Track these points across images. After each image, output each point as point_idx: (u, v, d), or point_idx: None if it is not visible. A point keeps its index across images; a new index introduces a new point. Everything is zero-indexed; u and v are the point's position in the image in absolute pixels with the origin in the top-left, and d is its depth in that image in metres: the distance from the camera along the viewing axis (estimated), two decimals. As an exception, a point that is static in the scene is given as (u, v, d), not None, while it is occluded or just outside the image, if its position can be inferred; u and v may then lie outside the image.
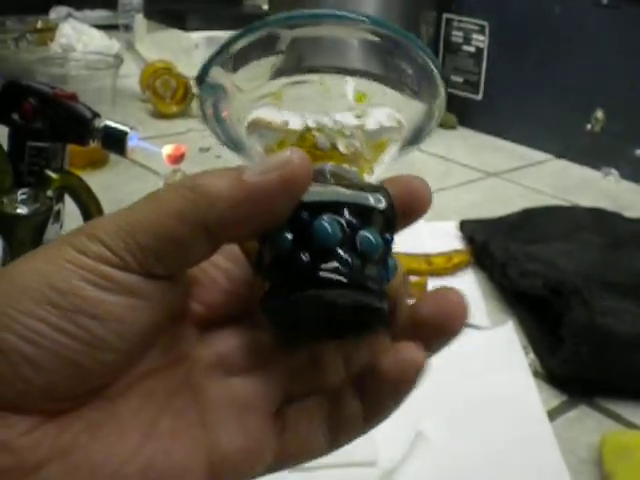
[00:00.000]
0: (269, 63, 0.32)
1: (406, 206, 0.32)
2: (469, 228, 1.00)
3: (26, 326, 0.26)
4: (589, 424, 0.68)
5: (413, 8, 1.49)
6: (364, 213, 0.30)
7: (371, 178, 0.34)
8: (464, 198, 1.20)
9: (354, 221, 0.29)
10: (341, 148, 0.33)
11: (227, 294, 0.33)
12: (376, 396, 0.33)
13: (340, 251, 0.29)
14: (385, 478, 0.58)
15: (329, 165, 0.32)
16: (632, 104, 1.29)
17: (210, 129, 0.35)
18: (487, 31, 1.48)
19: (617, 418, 0.69)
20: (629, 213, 1.08)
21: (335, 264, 0.28)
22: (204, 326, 0.33)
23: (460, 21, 1.53)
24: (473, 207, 1.14)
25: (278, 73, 0.32)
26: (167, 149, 0.71)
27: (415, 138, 0.37)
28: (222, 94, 0.34)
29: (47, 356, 0.26)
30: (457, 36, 1.54)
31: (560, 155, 1.40)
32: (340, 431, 0.34)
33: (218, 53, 0.32)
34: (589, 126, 1.35)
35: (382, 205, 0.30)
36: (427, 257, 0.90)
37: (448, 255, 0.92)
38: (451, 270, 0.91)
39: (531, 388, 0.71)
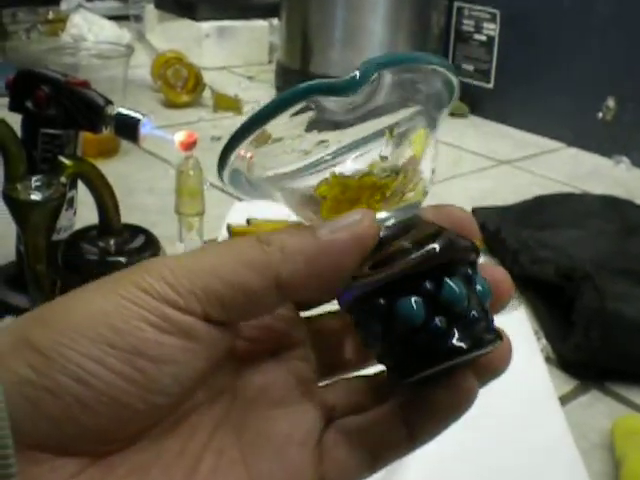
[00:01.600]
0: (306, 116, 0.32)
1: None
2: (481, 215, 1.00)
3: (82, 367, 0.26)
4: (600, 409, 0.68)
5: (424, -3, 1.49)
6: (473, 264, 0.31)
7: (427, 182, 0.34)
8: (475, 186, 1.20)
9: (470, 273, 0.30)
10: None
11: (267, 328, 0.33)
12: (426, 419, 0.32)
13: (471, 313, 0.30)
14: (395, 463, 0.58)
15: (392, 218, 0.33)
16: (644, 92, 1.29)
17: (223, 172, 0.34)
18: (498, 19, 1.48)
19: (628, 403, 0.69)
20: (641, 200, 1.08)
21: (467, 330, 0.29)
22: (244, 359, 0.32)
23: (471, 9, 1.53)
24: (484, 195, 1.14)
25: (312, 124, 0.32)
26: (179, 136, 0.71)
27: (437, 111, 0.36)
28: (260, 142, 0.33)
29: (100, 398, 0.26)
30: (468, 25, 1.54)
31: (572, 143, 1.40)
32: (381, 454, 0.33)
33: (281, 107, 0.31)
34: (601, 114, 1.35)
35: (473, 248, 0.31)
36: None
37: (459, 242, 0.91)
38: (462, 257, 0.90)
39: (543, 373, 0.71)
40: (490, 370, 0.32)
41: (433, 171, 0.34)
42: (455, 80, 0.34)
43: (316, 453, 0.32)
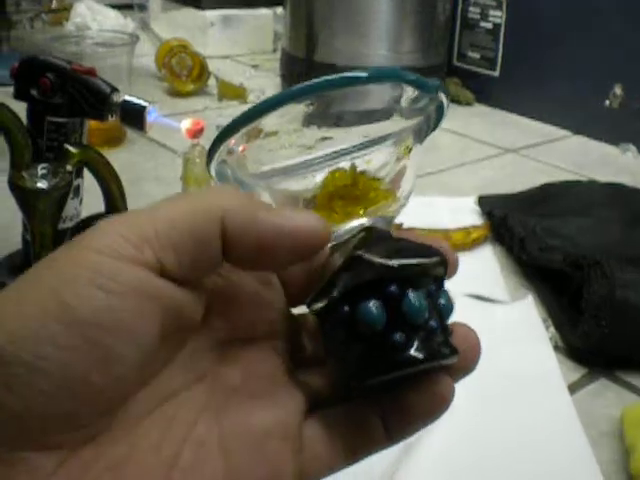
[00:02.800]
0: (301, 110, 0.32)
1: None
2: (487, 203, 1.00)
3: (34, 353, 0.25)
4: (609, 397, 0.68)
5: (430, -16, 1.48)
6: (439, 278, 0.32)
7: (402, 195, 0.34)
8: (482, 174, 1.19)
9: (434, 289, 0.31)
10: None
11: (252, 315, 0.33)
12: (401, 420, 0.33)
13: (430, 325, 0.31)
14: (405, 451, 0.58)
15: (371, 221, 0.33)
16: (651, 79, 1.28)
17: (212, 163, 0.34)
18: (504, 7, 1.47)
19: (637, 391, 0.69)
20: (648, 188, 1.07)
21: (425, 342, 0.30)
22: (226, 345, 0.32)
23: (477, -3, 1.52)
24: (491, 183, 1.13)
25: (308, 119, 0.33)
26: (186, 123, 0.71)
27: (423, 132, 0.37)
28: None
29: (58, 383, 0.25)
30: (474, 12, 1.53)
31: (578, 131, 1.39)
32: (358, 449, 0.33)
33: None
34: (607, 102, 1.34)
35: (442, 263, 0.32)
36: (446, 232, 0.90)
37: (467, 230, 0.91)
38: (470, 245, 0.90)
39: (552, 362, 0.71)
40: (459, 369, 0.33)
41: (412, 188, 0.34)
42: (446, 106, 0.35)
43: (296, 446, 0.32)
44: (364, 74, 0.30)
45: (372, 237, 0.32)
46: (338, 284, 0.31)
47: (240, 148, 0.33)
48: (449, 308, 0.32)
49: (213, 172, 0.34)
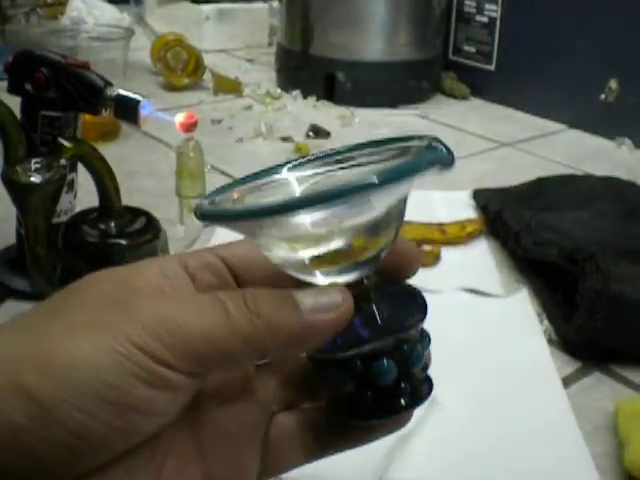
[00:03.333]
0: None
1: (395, 269, 0.36)
2: (483, 197, 1.00)
3: (77, 421, 0.28)
4: (603, 391, 0.68)
5: (425, -22, 1.48)
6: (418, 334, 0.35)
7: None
8: (477, 168, 1.19)
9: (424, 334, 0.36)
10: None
11: None
12: (364, 433, 0.37)
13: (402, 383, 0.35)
14: (399, 443, 0.58)
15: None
16: (646, 73, 1.28)
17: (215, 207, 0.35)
18: (500, 0, 1.47)
19: (631, 384, 0.69)
20: (643, 182, 1.07)
21: (420, 386, 0.35)
22: None
23: (473, -9, 1.52)
24: (486, 177, 1.13)
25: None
26: (179, 117, 0.71)
27: None
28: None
29: (90, 447, 0.28)
30: (470, 6, 1.53)
31: (574, 125, 1.39)
32: (319, 448, 0.37)
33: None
34: (603, 96, 1.34)
35: (421, 316, 0.35)
36: (441, 226, 0.90)
37: (462, 224, 0.91)
38: (465, 239, 0.90)
39: (546, 355, 0.71)
40: None
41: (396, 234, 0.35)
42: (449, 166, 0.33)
43: (261, 444, 0.35)
44: (372, 182, 0.28)
45: (373, 290, 0.34)
46: (353, 344, 0.33)
47: (235, 195, 0.35)
48: (427, 346, 0.36)
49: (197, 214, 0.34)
